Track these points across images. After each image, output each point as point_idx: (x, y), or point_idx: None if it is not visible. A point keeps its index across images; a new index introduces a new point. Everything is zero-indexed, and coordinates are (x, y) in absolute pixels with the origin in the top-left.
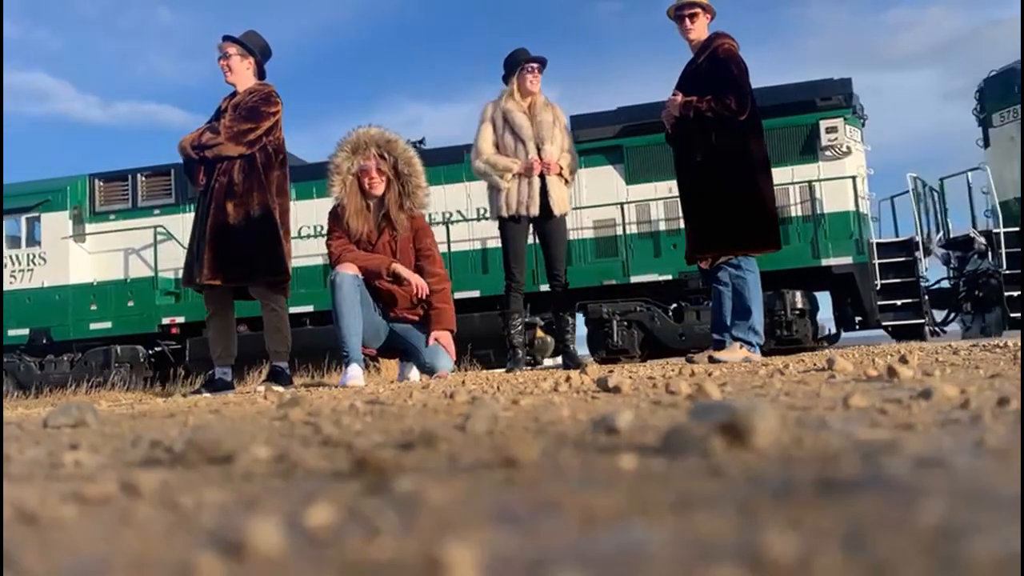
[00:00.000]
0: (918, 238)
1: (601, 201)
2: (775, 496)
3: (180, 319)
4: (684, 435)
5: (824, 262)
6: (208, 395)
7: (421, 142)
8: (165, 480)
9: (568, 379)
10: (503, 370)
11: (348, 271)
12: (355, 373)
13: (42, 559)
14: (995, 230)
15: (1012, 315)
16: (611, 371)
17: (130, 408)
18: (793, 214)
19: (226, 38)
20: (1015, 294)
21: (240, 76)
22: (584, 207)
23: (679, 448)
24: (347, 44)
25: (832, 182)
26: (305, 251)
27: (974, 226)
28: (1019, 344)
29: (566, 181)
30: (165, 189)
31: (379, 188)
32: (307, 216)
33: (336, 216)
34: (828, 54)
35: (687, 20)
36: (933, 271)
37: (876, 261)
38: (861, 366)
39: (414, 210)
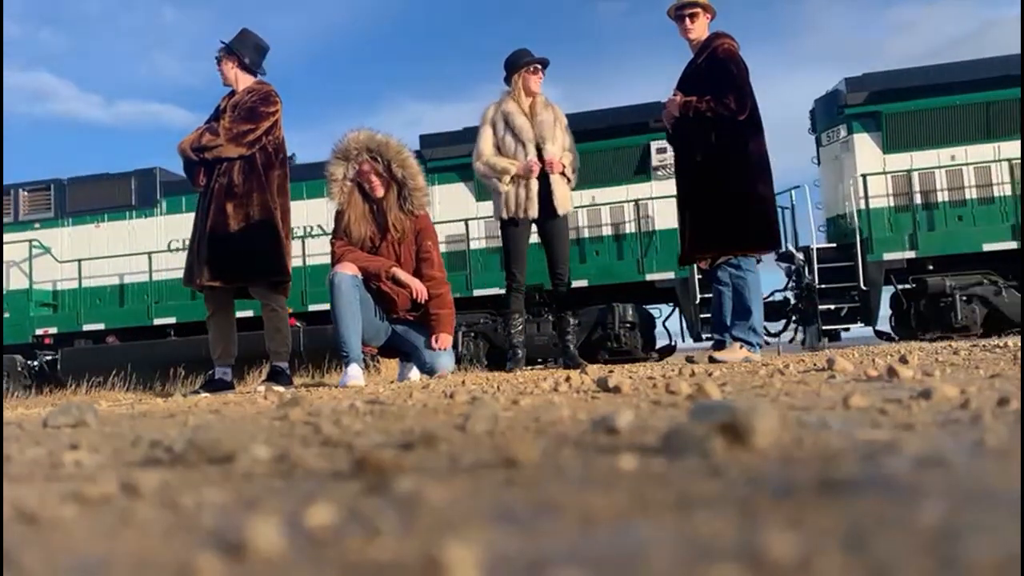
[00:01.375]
0: None
1: (451, 217)
2: (775, 496)
3: (52, 330)
4: (684, 435)
5: (648, 277)
6: (208, 395)
7: (291, 157)
8: (165, 480)
9: (568, 379)
10: (503, 370)
11: (346, 271)
12: (355, 373)
13: (42, 559)
14: (813, 246)
15: (824, 328)
16: (611, 371)
17: (130, 408)
18: (627, 231)
19: (221, 43)
20: (831, 307)
21: (232, 76)
22: (435, 222)
23: (679, 448)
24: (348, 43)
25: (664, 200)
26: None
27: (795, 242)
28: (1019, 344)
29: (568, 180)
30: (45, 204)
31: (379, 191)
32: None
33: (341, 220)
34: (829, 54)
35: (687, 20)
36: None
37: (698, 276)
38: (861, 366)
39: (415, 211)
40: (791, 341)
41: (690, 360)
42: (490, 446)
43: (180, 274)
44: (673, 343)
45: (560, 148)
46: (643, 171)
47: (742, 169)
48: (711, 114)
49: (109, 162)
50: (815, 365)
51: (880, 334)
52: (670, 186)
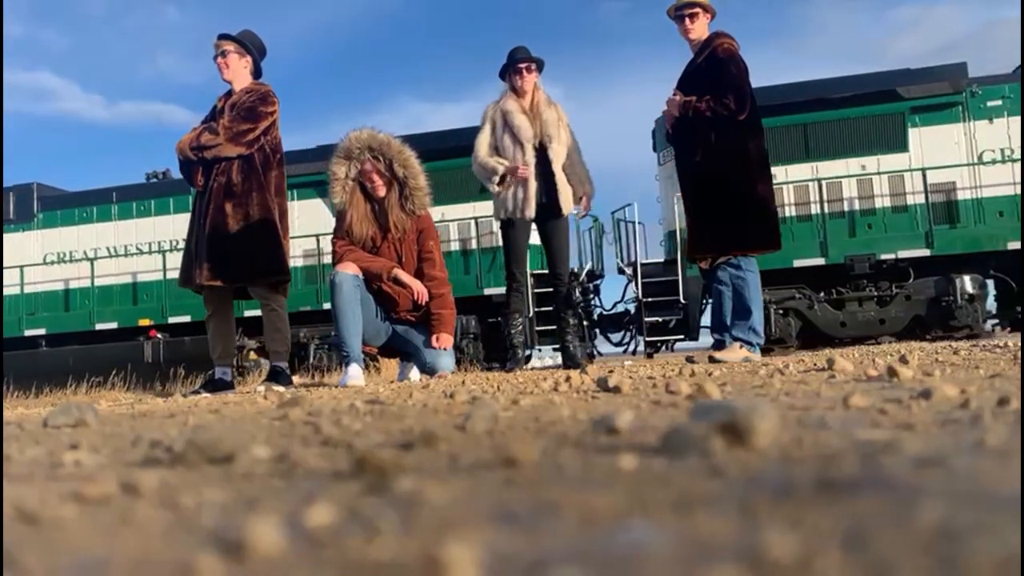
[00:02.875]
0: (574, 268)
1: (309, 232)
2: (775, 496)
3: None
4: (684, 435)
5: (487, 291)
6: (208, 395)
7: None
8: (165, 480)
9: (568, 379)
10: (503, 370)
11: (348, 270)
12: (355, 373)
13: (42, 559)
14: (638, 260)
15: (650, 339)
16: (611, 371)
17: (130, 408)
18: (471, 247)
19: (223, 36)
20: (659, 319)
21: (237, 74)
22: (296, 236)
23: (679, 448)
24: (350, 43)
25: None
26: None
27: (626, 258)
28: (1019, 344)
29: (588, 189)
30: None
31: (381, 190)
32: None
33: (343, 219)
34: (832, 54)
35: (687, 20)
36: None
37: (532, 291)
38: (861, 366)
39: (416, 211)
40: (624, 351)
41: (690, 360)
42: (490, 446)
43: (54, 286)
44: (528, 353)
45: (564, 147)
46: (487, 189)
47: (742, 169)
48: (711, 114)
49: (110, 161)
50: (815, 365)
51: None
52: None
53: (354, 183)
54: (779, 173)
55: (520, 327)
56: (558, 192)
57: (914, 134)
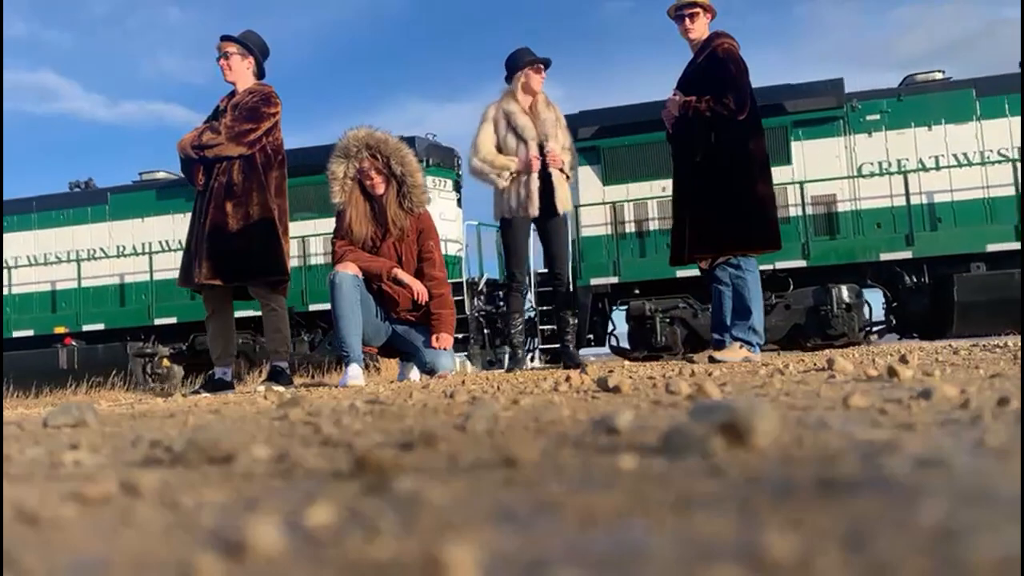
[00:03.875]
0: (467, 279)
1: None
2: (775, 496)
3: None
4: (684, 435)
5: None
6: (208, 395)
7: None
8: (165, 480)
9: (568, 379)
10: (503, 370)
11: (348, 270)
12: (355, 373)
13: (42, 559)
14: (531, 270)
15: (544, 347)
16: (611, 371)
17: (130, 408)
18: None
19: (225, 37)
20: (554, 327)
21: (240, 75)
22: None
23: (679, 448)
24: (352, 43)
25: None
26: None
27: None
28: (1019, 344)
29: (567, 177)
30: None
31: (380, 187)
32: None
33: (342, 219)
34: (834, 54)
35: (687, 20)
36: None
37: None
38: (861, 366)
39: (414, 208)
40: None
41: (690, 360)
42: (490, 446)
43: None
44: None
45: (561, 147)
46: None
47: (742, 169)
48: (710, 114)
49: (112, 162)
50: (815, 365)
51: (616, 350)
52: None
53: (353, 182)
54: (665, 186)
55: (520, 327)
56: (555, 191)
57: (797, 147)
